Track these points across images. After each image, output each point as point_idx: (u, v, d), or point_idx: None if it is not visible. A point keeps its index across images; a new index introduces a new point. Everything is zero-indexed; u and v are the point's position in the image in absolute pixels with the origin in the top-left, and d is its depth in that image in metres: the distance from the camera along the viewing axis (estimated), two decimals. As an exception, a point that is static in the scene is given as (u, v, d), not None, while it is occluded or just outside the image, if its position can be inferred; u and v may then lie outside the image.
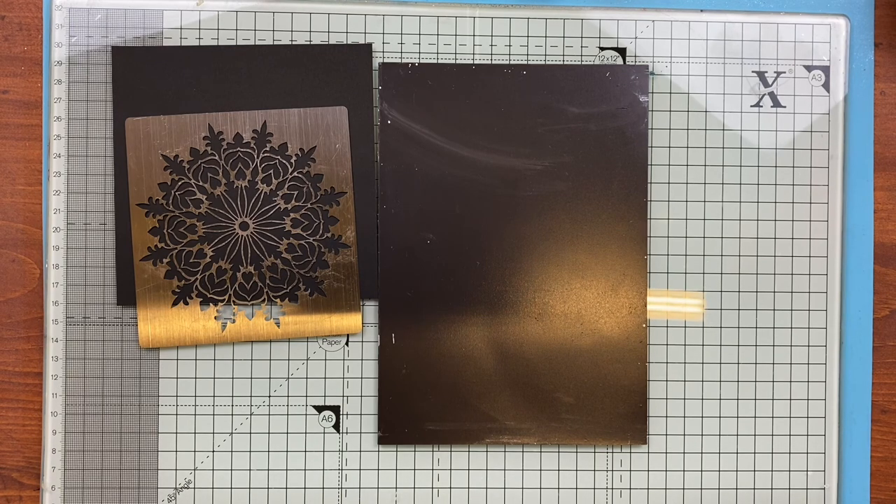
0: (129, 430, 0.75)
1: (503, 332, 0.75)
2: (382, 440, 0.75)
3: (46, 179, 0.75)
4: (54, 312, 0.75)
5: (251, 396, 0.76)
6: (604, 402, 0.76)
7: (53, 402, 0.75)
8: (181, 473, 0.76)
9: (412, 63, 0.75)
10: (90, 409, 0.75)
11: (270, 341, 0.75)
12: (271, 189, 0.74)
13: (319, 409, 0.76)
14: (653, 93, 0.77)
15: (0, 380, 0.76)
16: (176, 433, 0.75)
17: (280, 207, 0.74)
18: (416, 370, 0.75)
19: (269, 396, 0.76)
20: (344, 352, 0.76)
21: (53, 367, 0.75)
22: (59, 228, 0.75)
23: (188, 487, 0.75)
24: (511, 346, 0.76)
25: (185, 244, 0.74)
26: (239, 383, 0.76)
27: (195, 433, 0.75)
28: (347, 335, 0.76)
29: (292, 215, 0.74)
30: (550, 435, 0.76)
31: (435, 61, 0.76)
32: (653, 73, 0.77)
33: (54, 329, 0.75)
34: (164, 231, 0.74)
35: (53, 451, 0.75)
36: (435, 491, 0.77)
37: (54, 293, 0.75)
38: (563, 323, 0.76)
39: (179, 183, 0.74)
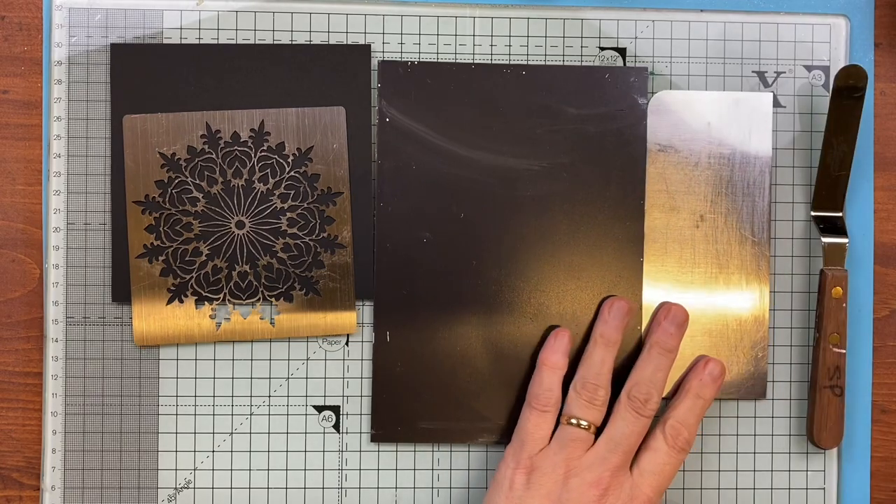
0: (129, 430, 0.72)
1: (498, 331, 0.72)
2: (375, 438, 0.73)
3: (46, 179, 0.72)
4: (54, 312, 0.72)
5: (251, 396, 0.73)
6: None
7: (53, 402, 0.72)
8: (181, 473, 0.73)
9: (411, 61, 0.73)
10: (90, 409, 0.72)
11: (270, 341, 0.73)
12: (268, 188, 0.72)
13: (319, 409, 0.73)
14: (653, 93, 0.74)
15: (0, 380, 0.73)
16: (176, 433, 0.73)
17: (276, 207, 0.72)
18: (410, 368, 0.72)
19: (269, 396, 0.73)
20: (344, 352, 0.73)
21: (53, 367, 0.72)
22: (59, 228, 0.72)
23: (188, 487, 0.73)
24: (506, 345, 0.73)
25: (181, 242, 0.71)
26: (239, 383, 0.73)
27: (195, 433, 0.73)
28: (348, 335, 0.73)
29: (289, 215, 0.72)
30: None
31: (435, 60, 0.73)
32: (653, 73, 0.74)
33: (54, 329, 0.72)
34: (160, 229, 0.71)
35: (53, 451, 0.72)
36: (435, 491, 0.74)
37: (54, 293, 0.72)
38: (559, 324, 0.73)
39: (176, 181, 0.71)
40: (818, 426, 0.72)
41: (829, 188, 0.72)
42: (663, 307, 0.70)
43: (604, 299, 0.72)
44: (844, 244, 0.72)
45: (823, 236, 0.72)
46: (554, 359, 0.68)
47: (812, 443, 0.73)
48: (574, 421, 0.67)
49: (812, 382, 0.73)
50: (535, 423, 0.67)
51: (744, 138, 0.73)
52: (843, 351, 0.71)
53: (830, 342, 0.71)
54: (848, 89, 0.70)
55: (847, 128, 0.71)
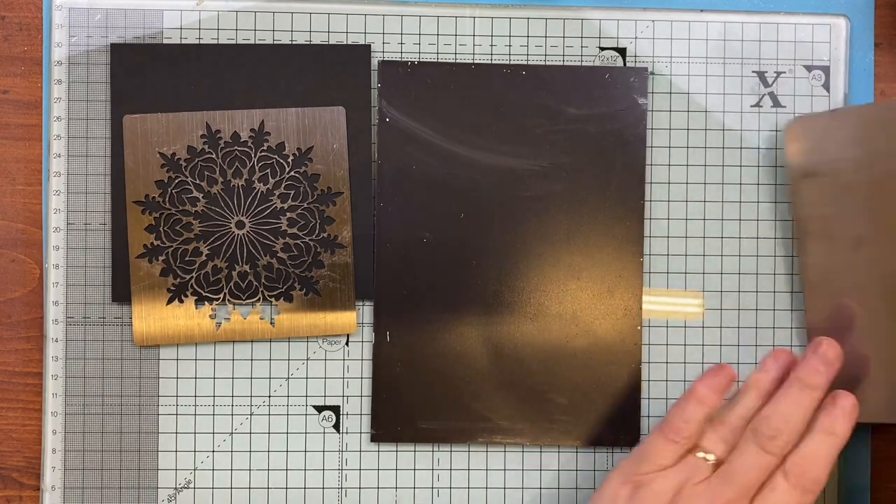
0: (129, 430, 0.72)
1: (498, 331, 0.72)
2: (375, 438, 0.72)
3: (46, 179, 0.72)
4: (54, 312, 0.72)
5: (251, 396, 0.72)
6: (597, 403, 0.73)
7: (53, 402, 0.72)
8: (181, 473, 0.72)
9: (412, 61, 0.72)
10: (90, 409, 0.72)
11: (270, 340, 0.72)
12: (268, 188, 0.71)
13: (319, 409, 0.73)
14: (653, 93, 0.73)
15: (0, 380, 0.73)
16: (176, 433, 0.72)
17: (276, 207, 0.71)
18: (410, 368, 0.72)
19: (269, 396, 0.72)
20: (344, 352, 0.73)
21: (53, 367, 0.71)
22: (59, 228, 0.72)
23: (188, 487, 0.72)
24: (505, 346, 0.72)
25: (181, 242, 0.71)
26: (239, 383, 0.72)
27: (195, 433, 0.72)
28: (348, 335, 0.72)
29: (289, 215, 0.71)
30: (543, 436, 0.73)
31: (435, 60, 0.73)
32: (653, 73, 0.74)
33: (54, 329, 0.71)
34: (160, 229, 0.71)
35: (53, 451, 0.72)
36: (435, 491, 0.73)
37: (54, 293, 0.72)
38: (558, 324, 0.72)
39: (176, 181, 0.71)
40: None
41: None
42: (814, 342, 0.65)
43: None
44: None
45: None
46: (705, 393, 0.64)
47: None
48: (701, 454, 0.63)
49: None
50: (660, 449, 0.63)
51: (889, 152, 0.68)
52: None
53: None
54: None
55: None
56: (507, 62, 0.72)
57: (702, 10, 0.73)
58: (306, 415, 0.72)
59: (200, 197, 0.71)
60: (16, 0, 0.72)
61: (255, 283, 0.71)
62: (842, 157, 0.70)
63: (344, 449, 0.72)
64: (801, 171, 0.71)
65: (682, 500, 0.61)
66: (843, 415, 0.63)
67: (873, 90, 0.74)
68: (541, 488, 0.73)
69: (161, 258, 0.71)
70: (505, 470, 0.73)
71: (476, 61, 0.72)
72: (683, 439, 0.63)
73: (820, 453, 0.62)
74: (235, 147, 0.71)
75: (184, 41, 0.71)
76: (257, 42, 0.72)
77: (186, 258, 0.71)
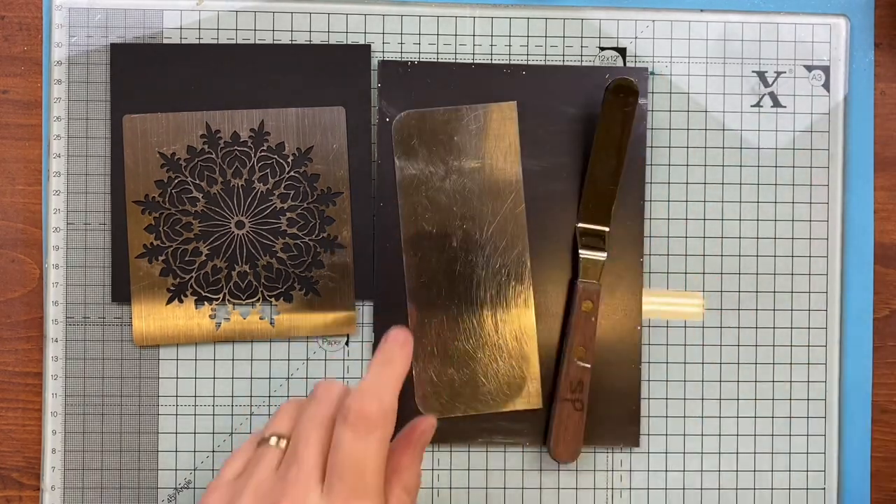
0: (129, 430, 0.72)
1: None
2: None
3: (46, 179, 0.72)
4: (54, 312, 0.71)
5: (251, 396, 0.72)
6: (597, 404, 0.72)
7: (53, 402, 0.71)
8: (181, 473, 0.72)
9: (411, 61, 0.72)
10: (90, 409, 0.72)
11: (270, 340, 0.72)
12: (268, 188, 0.71)
13: None
14: (653, 93, 0.73)
15: (0, 380, 0.73)
16: (176, 433, 0.72)
17: (276, 207, 0.71)
18: (409, 369, 0.70)
19: (269, 396, 0.72)
20: (344, 352, 0.72)
21: (53, 367, 0.71)
22: (58, 228, 0.71)
23: (188, 487, 0.72)
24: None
25: (181, 242, 0.71)
26: (239, 383, 0.72)
27: (195, 433, 0.72)
28: (347, 335, 0.72)
29: (288, 215, 0.71)
30: (543, 436, 0.72)
31: (435, 60, 0.72)
32: (653, 73, 0.73)
33: (54, 329, 0.71)
34: (160, 229, 0.71)
35: (53, 451, 0.72)
36: (435, 491, 0.73)
37: (54, 293, 0.71)
38: (559, 324, 0.72)
39: (176, 181, 0.71)
40: (555, 439, 0.70)
41: (597, 201, 0.71)
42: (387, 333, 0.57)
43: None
44: (601, 261, 0.71)
45: (582, 251, 0.71)
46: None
47: (549, 454, 0.71)
48: (273, 440, 0.56)
49: (554, 393, 0.71)
50: (236, 453, 0.57)
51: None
52: (588, 365, 0.70)
53: (576, 356, 0.70)
54: (619, 103, 0.69)
55: (616, 141, 0.70)
56: (507, 62, 0.72)
57: (702, 10, 0.73)
58: (306, 415, 0.72)
59: (200, 197, 0.71)
60: (16, 0, 0.72)
61: (254, 283, 0.71)
62: (433, 158, 0.71)
63: (344, 449, 0.72)
64: (405, 173, 0.71)
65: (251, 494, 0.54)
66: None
67: (873, 90, 0.74)
68: (541, 488, 0.73)
69: (161, 258, 0.70)
70: (505, 470, 0.73)
71: (476, 61, 0.72)
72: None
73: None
74: (235, 147, 0.71)
75: (184, 41, 0.71)
76: (257, 42, 0.71)
77: (186, 258, 0.70)
